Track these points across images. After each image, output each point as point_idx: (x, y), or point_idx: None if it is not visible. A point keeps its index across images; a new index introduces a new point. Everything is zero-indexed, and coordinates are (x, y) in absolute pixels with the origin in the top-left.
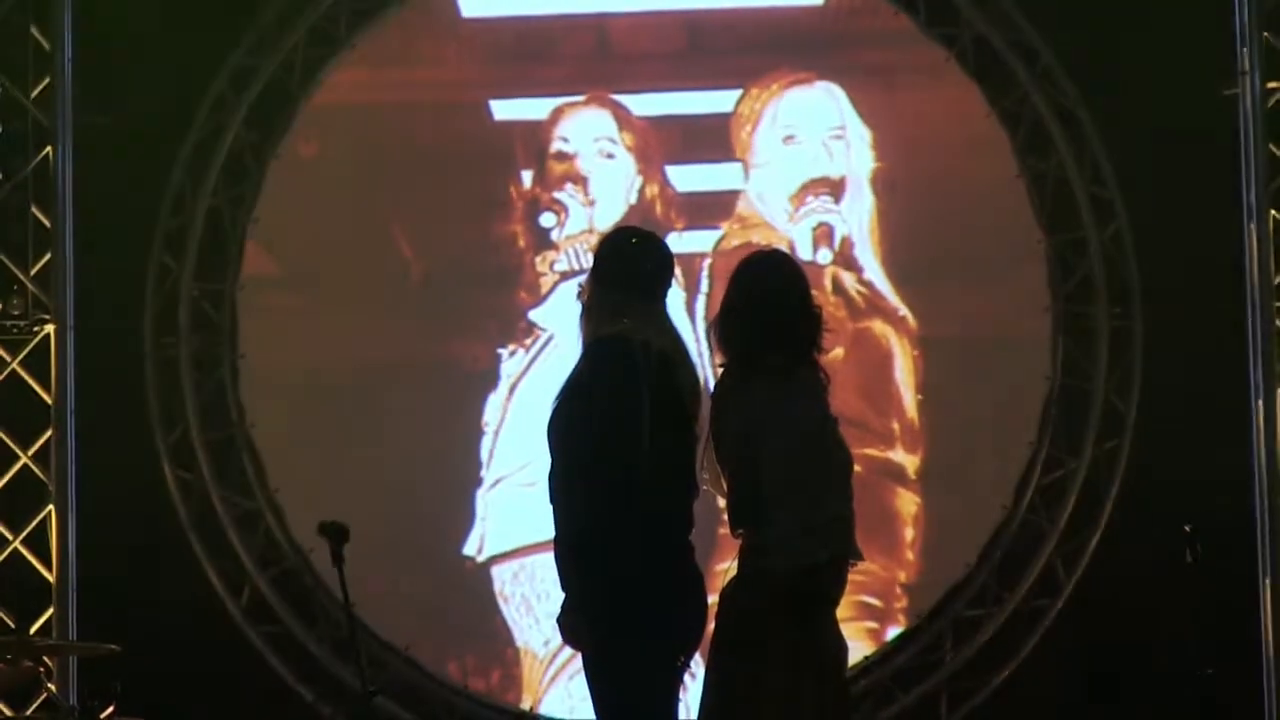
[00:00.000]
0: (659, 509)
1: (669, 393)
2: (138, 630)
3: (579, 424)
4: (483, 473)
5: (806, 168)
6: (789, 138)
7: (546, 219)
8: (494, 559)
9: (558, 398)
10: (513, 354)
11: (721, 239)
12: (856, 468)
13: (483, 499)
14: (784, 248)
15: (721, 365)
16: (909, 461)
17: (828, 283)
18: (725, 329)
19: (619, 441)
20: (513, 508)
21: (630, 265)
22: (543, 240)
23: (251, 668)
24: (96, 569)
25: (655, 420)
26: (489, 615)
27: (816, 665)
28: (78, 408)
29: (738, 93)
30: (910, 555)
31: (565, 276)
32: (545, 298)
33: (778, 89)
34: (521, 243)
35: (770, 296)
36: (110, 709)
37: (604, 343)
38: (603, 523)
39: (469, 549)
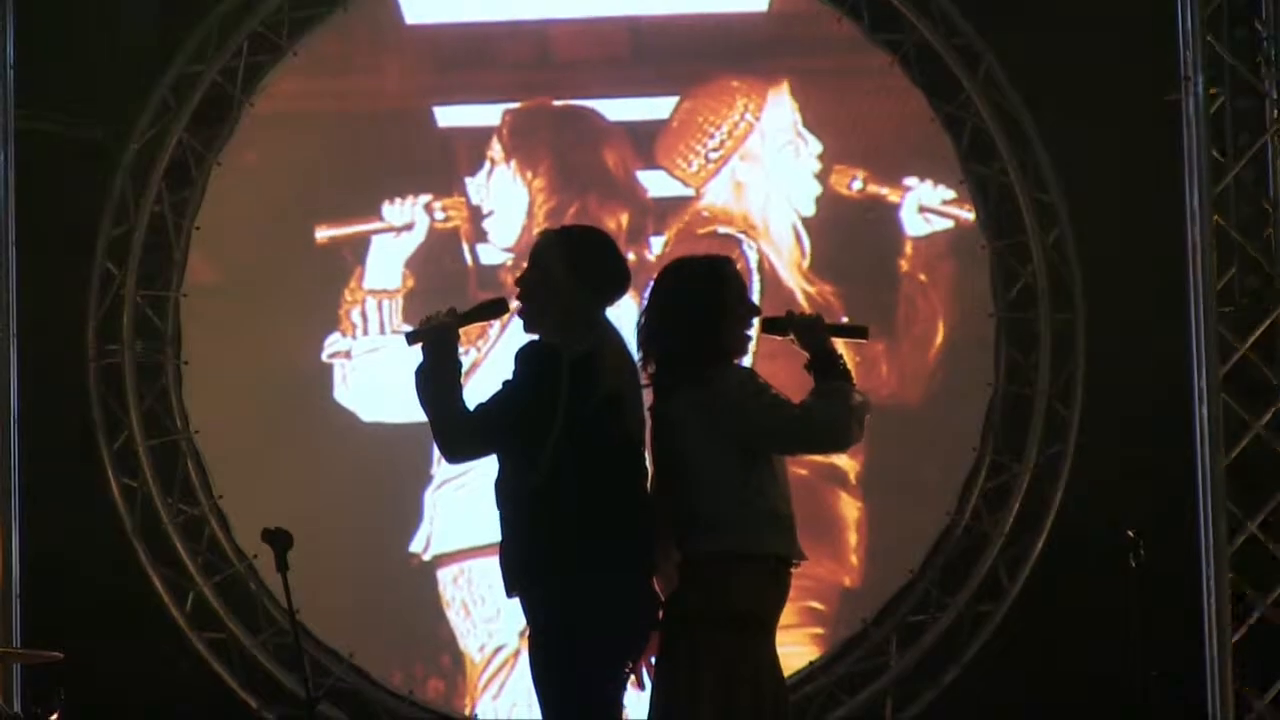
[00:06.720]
0: (604, 524)
1: (609, 405)
2: (81, 637)
3: (503, 429)
4: (432, 470)
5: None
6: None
7: (491, 217)
8: (439, 559)
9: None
10: (465, 352)
11: (666, 244)
12: (801, 471)
13: (430, 498)
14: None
15: (650, 376)
16: (850, 467)
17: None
18: (643, 339)
19: (536, 446)
20: (459, 508)
21: (576, 267)
22: (486, 237)
23: (195, 675)
24: (40, 577)
25: (595, 433)
26: (434, 619)
27: (754, 674)
28: (21, 414)
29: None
30: (854, 560)
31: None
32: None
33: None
34: (465, 245)
35: (683, 302)
36: (54, 716)
37: (529, 345)
38: (539, 529)
39: (415, 546)
